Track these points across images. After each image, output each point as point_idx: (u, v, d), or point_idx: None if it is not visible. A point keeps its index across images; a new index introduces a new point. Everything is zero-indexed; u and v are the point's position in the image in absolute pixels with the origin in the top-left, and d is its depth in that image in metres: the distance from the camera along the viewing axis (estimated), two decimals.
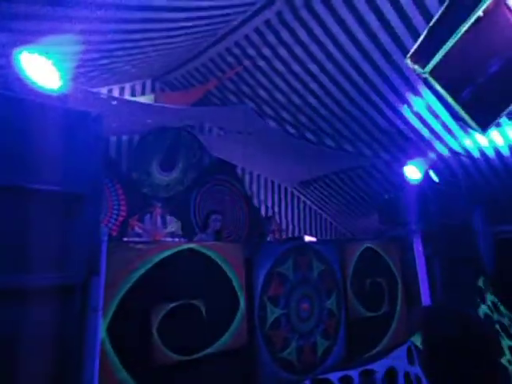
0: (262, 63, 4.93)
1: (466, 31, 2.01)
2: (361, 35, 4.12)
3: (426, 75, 2.09)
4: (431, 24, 2.43)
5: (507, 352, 3.38)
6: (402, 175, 4.51)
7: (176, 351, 2.29)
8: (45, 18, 2.86)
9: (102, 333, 1.97)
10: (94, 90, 4.41)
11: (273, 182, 7.41)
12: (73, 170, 1.89)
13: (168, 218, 5.86)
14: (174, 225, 5.88)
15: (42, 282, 1.74)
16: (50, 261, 1.76)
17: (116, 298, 2.10)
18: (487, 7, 1.94)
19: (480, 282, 4.26)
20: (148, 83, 6.00)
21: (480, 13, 2.05)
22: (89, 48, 3.62)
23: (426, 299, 3.84)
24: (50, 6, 2.75)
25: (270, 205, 7.29)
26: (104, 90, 5.15)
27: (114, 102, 4.29)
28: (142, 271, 2.25)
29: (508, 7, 1.95)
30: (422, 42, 2.41)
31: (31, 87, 1.90)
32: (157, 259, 2.34)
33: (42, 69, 1.93)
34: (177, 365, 2.30)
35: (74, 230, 1.83)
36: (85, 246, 1.86)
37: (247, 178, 7.10)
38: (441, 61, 2.10)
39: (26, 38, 2.87)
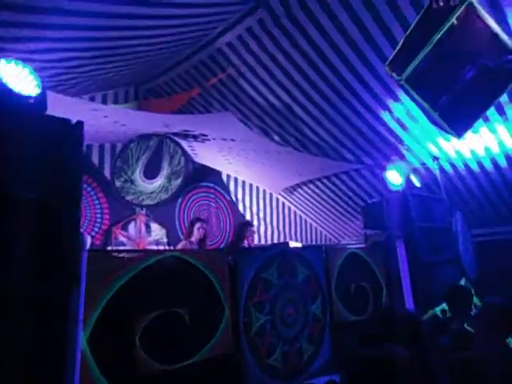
0: (245, 70, 4.97)
1: (441, 40, 2.07)
2: (342, 43, 4.20)
3: (403, 82, 2.14)
4: (408, 33, 2.51)
5: None
6: (384, 180, 4.59)
7: (160, 360, 2.26)
8: (24, 26, 2.84)
9: (82, 343, 1.93)
10: (76, 97, 4.37)
11: (258, 188, 7.42)
12: (51, 177, 1.87)
13: (152, 225, 5.81)
14: (158, 232, 5.82)
15: (19, 293, 1.70)
16: (27, 271, 1.73)
17: (98, 307, 2.07)
18: (460, 16, 2.01)
19: (462, 282, 4.34)
20: (131, 90, 5.98)
21: (454, 21, 2.12)
22: (69, 55, 3.59)
23: (409, 303, 3.89)
24: (29, 14, 2.73)
25: (255, 211, 7.29)
26: (86, 98, 5.11)
27: (96, 110, 4.25)
28: (124, 280, 2.22)
29: (479, 16, 2.03)
30: (400, 50, 2.48)
31: (8, 94, 1.87)
32: (140, 267, 2.31)
33: (19, 76, 1.90)
34: (160, 374, 2.27)
35: (52, 239, 1.81)
36: (64, 255, 1.83)
37: (232, 184, 7.10)
38: (417, 68, 2.16)
39: (3, 45, 2.83)
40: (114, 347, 2.12)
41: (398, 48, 2.55)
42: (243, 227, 4.85)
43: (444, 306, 3.24)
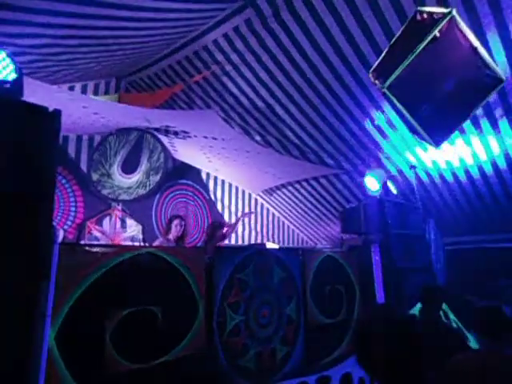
0: (229, 69, 4.95)
1: (423, 51, 2.12)
2: (327, 49, 4.25)
3: (385, 90, 2.18)
4: (391, 42, 2.56)
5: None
6: (362, 186, 4.66)
7: (130, 359, 2.21)
8: (3, 8, 2.73)
9: (50, 341, 1.87)
10: (54, 86, 4.23)
11: (237, 188, 7.41)
12: (23, 167, 1.80)
13: (128, 221, 5.70)
14: (134, 228, 5.72)
15: None
16: None
17: (67, 303, 2.00)
18: (442, 28, 2.06)
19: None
20: (112, 82, 5.84)
21: (436, 33, 2.18)
22: (50, 42, 3.48)
23: None
24: None
25: (233, 210, 7.27)
26: (65, 87, 4.96)
27: (74, 99, 4.14)
28: (96, 275, 2.16)
29: (460, 29, 2.08)
30: (383, 58, 2.53)
31: None
32: (113, 263, 2.26)
33: None
34: (131, 373, 2.22)
35: (22, 232, 1.73)
36: (34, 248, 1.76)
37: (211, 183, 7.06)
38: (399, 77, 2.20)
39: None
40: (83, 345, 2.06)
41: (381, 56, 2.59)
42: (215, 228, 4.84)
43: (419, 306, 3.34)
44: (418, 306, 3.36)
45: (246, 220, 7.40)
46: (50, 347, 1.88)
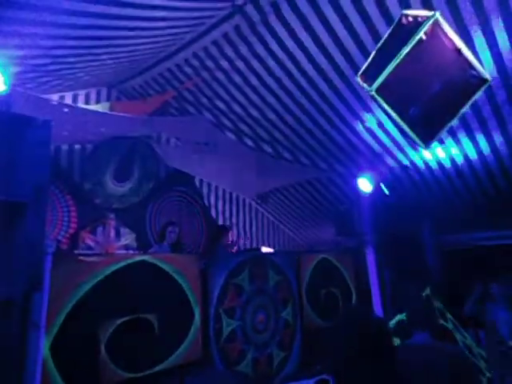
0: (219, 75, 4.97)
1: (409, 53, 2.15)
2: (316, 53, 4.29)
3: (373, 93, 2.21)
4: (379, 45, 2.59)
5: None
6: (355, 188, 4.69)
7: (126, 368, 2.20)
8: None
9: (44, 351, 1.85)
10: (45, 96, 4.22)
11: (231, 194, 7.41)
12: (15, 177, 1.79)
13: (122, 230, 5.67)
14: (128, 237, 5.69)
15: None
16: None
17: (61, 313, 1.99)
18: (427, 31, 2.10)
19: (427, 291, 4.48)
20: (103, 91, 5.84)
21: (422, 35, 2.21)
22: (39, 53, 3.47)
23: (377, 308, 3.97)
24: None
25: (227, 216, 7.26)
26: (55, 97, 4.95)
27: (66, 110, 4.13)
28: (90, 285, 2.15)
29: (444, 32, 2.12)
30: (371, 61, 2.56)
31: None
32: (107, 272, 2.25)
33: None
34: (127, 383, 2.21)
35: (14, 242, 1.73)
36: (26, 258, 1.75)
37: (205, 189, 7.05)
38: (387, 80, 2.23)
39: None
40: (78, 355, 2.05)
41: (369, 60, 2.63)
42: (221, 231, 4.85)
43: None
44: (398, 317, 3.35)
45: (241, 225, 7.40)
46: (45, 358, 1.87)
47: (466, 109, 2.50)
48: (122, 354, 2.19)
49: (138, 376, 2.26)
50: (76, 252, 4.99)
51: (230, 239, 4.84)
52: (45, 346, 1.86)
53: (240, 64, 4.72)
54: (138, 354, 2.28)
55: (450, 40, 2.20)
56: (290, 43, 4.28)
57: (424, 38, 2.24)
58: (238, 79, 4.95)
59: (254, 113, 5.35)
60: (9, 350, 1.68)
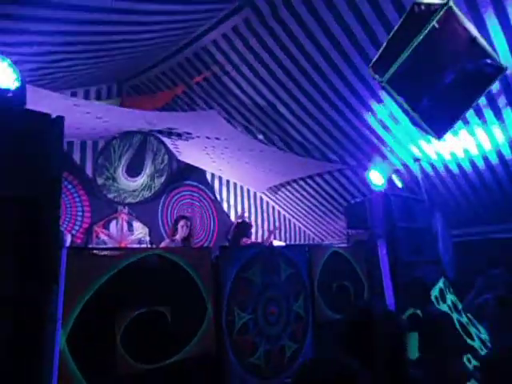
0: (229, 69, 4.96)
1: (422, 43, 2.11)
2: (327, 44, 4.24)
3: (384, 84, 2.18)
4: (390, 36, 2.55)
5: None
6: (367, 181, 4.64)
7: (141, 360, 2.24)
8: (3, 18, 2.76)
9: (61, 343, 1.90)
10: (57, 92, 4.28)
11: (242, 187, 7.42)
12: (29, 174, 1.82)
13: (135, 224, 5.74)
14: (141, 231, 5.76)
15: None
16: (4, 270, 1.68)
17: (77, 306, 2.03)
18: (440, 19, 2.06)
19: (440, 283, 4.44)
20: (114, 87, 5.89)
21: (435, 24, 2.17)
22: (51, 49, 3.51)
23: (390, 302, 3.95)
24: (11, 5, 2.66)
25: (239, 210, 7.29)
26: (68, 93, 5.01)
27: (78, 105, 4.17)
28: (105, 278, 2.19)
29: (457, 20, 2.08)
30: (382, 52, 2.53)
31: None
32: (121, 265, 2.28)
33: None
34: (142, 374, 2.24)
35: (30, 237, 1.76)
36: (43, 253, 1.79)
37: (216, 183, 7.08)
38: (398, 70, 2.20)
39: None
40: (94, 347, 2.09)
41: (380, 50, 2.59)
42: (247, 227, 4.89)
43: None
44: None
45: (253, 218, 7.42)
46: (62, 349, 1.91)
47: (480, 99, 2.45)
48: (136, 346, 2.22)
49: (152, 367, 2.30)
50: (90, 246, 5.08)
51: (250, 236, 4.88)
52: (61, 338, 1.91)
53: (250, 57, 4.71)
54: (152, 346, 2.32)
55: (464, 28, 2.15)
56: (300, 34, 4.24)
57: (437, 26, 2.19)
58: (248, 72, 4.94)
59: (265, 106, 5.33)
60: (26, 343, 1.73)
